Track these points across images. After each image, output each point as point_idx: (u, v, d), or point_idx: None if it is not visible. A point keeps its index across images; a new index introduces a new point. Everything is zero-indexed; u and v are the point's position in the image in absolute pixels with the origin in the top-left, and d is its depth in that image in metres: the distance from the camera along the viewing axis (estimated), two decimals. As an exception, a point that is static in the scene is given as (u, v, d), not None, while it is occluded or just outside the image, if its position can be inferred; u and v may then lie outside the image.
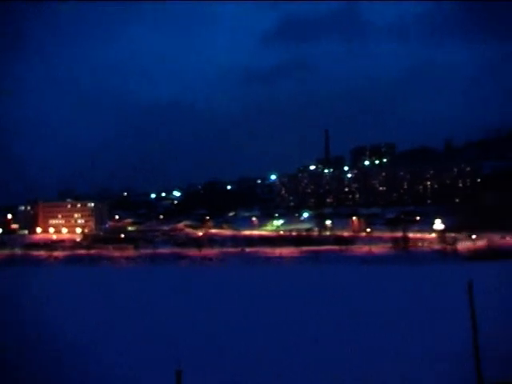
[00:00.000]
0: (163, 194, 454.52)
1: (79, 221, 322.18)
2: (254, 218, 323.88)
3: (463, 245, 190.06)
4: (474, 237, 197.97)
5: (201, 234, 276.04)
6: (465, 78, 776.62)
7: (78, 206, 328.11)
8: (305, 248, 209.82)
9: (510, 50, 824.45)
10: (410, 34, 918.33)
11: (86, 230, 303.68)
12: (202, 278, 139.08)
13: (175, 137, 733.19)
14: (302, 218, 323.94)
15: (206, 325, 62.38)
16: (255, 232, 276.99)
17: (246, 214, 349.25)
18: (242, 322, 64.93)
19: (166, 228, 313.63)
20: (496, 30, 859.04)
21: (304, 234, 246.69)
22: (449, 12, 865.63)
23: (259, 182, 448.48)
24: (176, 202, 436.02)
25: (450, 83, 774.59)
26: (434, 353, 48.48)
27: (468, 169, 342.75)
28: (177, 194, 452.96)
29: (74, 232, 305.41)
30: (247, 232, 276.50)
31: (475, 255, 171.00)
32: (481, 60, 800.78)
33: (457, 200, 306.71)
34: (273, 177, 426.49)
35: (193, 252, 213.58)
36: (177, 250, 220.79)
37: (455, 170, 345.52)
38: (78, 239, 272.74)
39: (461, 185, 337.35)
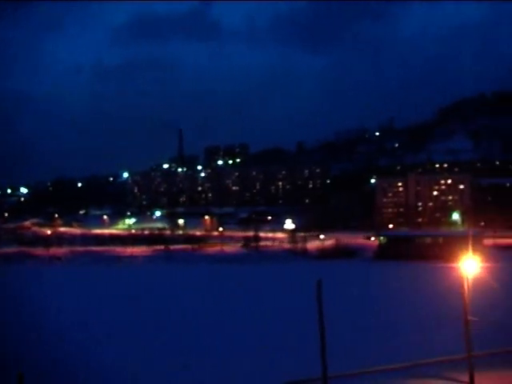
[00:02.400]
0: (9, 191, 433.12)
1: None
2: (105, 217, 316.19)
3: (312, 244, 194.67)
4: (322, 236, 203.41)
5: (49, 232, 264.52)
6: (316, 81, 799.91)
7: None
8: (157, 247, 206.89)
9: (355, 55, 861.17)
10: (264, 37, 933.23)
11: None
12: (47, 278, 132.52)
13: (24, 132, 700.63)
14: (155, 217, 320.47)
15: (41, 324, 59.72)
16: (106, 231, 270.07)
17: (97, 213, 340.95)
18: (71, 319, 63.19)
19: (11, 226, 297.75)
20: (344, 36, 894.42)
21: (156, 232, 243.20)
22: (300, 16, 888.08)
23: (111, 179, 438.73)
24: (23, 199, 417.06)
25: (301, 86, 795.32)
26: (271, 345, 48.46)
27: (318, 170, 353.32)
28: (24, 190, 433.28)
29: None
30: (98, 231, 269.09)
31: (324, 254, 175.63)
32: (332, 64, 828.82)
33: (307, 200, 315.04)
34: (125, 175, 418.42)
35: (40, 251, 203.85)
36: (23, 249, 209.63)
37: (306, 171, 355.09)
38: None
39: (311, 186, 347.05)
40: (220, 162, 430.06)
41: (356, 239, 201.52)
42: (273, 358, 50.95)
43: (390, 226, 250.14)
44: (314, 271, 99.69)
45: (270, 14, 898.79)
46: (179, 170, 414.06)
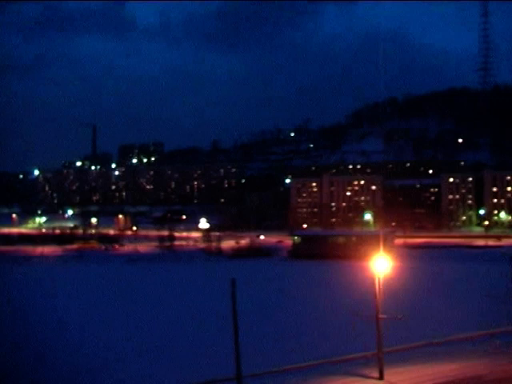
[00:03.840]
0: None
1: None
2: (13, 215, 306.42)
3: (227, 243, 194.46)
4: (237, 235, 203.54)
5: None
6: (233, 81, 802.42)
7: None
8: (68, 246, 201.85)
9: (276, 57, 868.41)
10: (181, 36, 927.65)
11: None
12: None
13: None
14: (67, 216, 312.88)
15: None
16: (15, 230, 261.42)
17: (5, 211, 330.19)
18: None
19: None
20: (261, 38, 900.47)
21: (68, 231, 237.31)
22: (218, 16, 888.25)
23: (21, 177, 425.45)
24: None
25: (217, 86, 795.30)
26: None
27: (233, 170, 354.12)
28: None
29: None
30: (5, 230, 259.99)
31: (238, 253, 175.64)
32: (249, 65, 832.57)
33: (222, 200, 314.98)
34: (36, 172, 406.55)
35: None
36: None
37: (221, 170, 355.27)
38: None
39: (226, 185, 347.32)
40: (134, 161, 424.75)
41: (271, 239, 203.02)
42: (185, 359, 50.33)
43: (304, 225, 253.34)
44: (227, 271, 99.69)
45: (187, 13, 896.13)
46: (92, 167, 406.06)
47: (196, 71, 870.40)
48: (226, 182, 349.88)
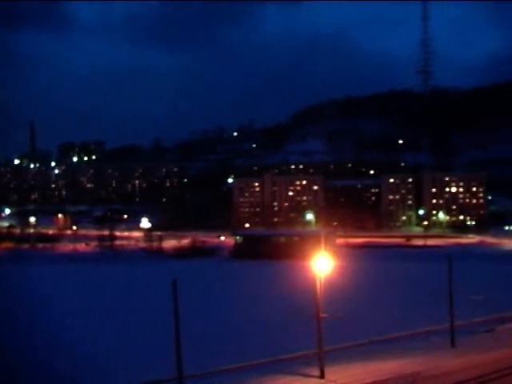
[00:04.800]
0: None
1: None
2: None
3: (169, 243, 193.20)
4: (179, 235, 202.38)
5: None
6: (176, 80, 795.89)
7: None
8: (4, 245, 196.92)
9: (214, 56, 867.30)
10: (122, 33, 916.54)
11: None
12: None
13: None
14: (4, 215, 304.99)
15: None
16: None
17: None
18: None
19: None
20: (204, 37, 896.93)
21: (5, 231, 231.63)
22: (160, 15, 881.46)
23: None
24: None
25: (160, 84, 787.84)
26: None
27: (175, 169, 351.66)
28: None
29: None
30: None
31: (179, 253, 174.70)
32: (193, 64, 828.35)
33: (164, 199, 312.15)
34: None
35: None
36: None
37: (163, 169, 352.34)
38: None
39: (168, 184, 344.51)
40: (75, 159, 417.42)
41: (213, 238, 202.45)
42: (125, 359, 49.55)
43: (247, 225, 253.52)
44: (167, 271, 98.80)
45: (129, 10, 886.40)
46: (31, 165, 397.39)
47: (138, 69, 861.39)
48: (167, 181, 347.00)
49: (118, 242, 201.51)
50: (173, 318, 35.44)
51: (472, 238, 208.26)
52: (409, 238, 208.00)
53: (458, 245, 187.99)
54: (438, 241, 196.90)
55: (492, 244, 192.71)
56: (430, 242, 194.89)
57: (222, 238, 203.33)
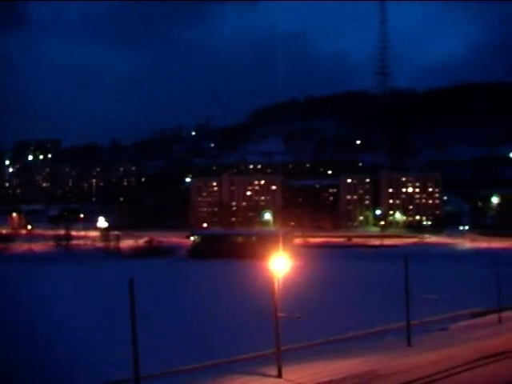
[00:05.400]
0: None
1: None
2: None
3: (126, 243, 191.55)
4: (136, 235, 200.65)
5: None
6: (134, 78, 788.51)
7: None
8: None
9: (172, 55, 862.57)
10: (77, 32, 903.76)
11: None
12: None
13: None
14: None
15: None
16: None
17: None
18: None
19: None
20: (162, 36, 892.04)
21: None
22: (116, 14, 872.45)
23: None
24: None
25: (117, 83, 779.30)
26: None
27: (133, 168, 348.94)
28: None
29: None
30: None
31: (137, 253, 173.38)
32: (151, 63, 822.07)
33: (121, 199, 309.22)
34: None
35: None
36: None
37: (121, 169, 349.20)
38: None
39: (126, 184, 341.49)
40: (30, 158, 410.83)
41: (170, 238, 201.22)
42: (81, 360, 48.90)
43: (205, 224, 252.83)
44: (124, 270, 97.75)
45: (85, 9, 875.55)
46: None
47: (96, 68, 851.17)
48: (125, 180, 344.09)
49: (74, 242, 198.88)
50: (135, 318, 35.00)
51: (428, 238, 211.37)
52: (350, 237, 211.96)
53: (414, 244, 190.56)
54: (395, 240, 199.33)
55: (447, 243, 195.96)
56: (387, 241, 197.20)
57: (192, 238, 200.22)
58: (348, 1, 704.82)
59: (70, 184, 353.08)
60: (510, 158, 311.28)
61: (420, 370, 42.66)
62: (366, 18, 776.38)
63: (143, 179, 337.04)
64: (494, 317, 63.45)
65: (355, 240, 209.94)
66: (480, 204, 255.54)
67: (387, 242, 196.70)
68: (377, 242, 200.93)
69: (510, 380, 40.79)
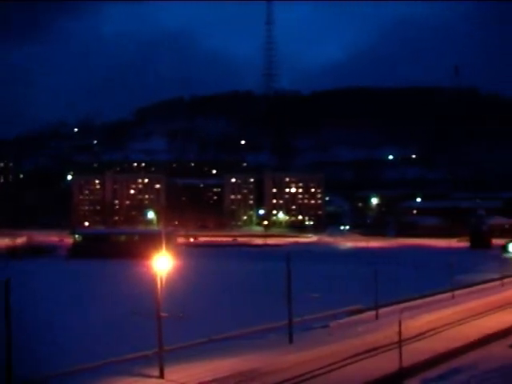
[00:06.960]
0: None
1: None
2: None
3: (1, 242, 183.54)
4: (13, 234, 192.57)
5: None
6: (17, 72, 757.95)
7: None
8: None
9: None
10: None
11: None
12: None
13: None
14: None
15: None
16: None
17: None
18: None
19: None
20: (45, 29, 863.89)
21: None
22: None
23: None
24: None
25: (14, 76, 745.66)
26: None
27: (11, 164, 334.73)
28: None
29: None
30: None
31: (13, 253, 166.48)
32: (33, 56, 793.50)
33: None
34: None
35: None
36: None
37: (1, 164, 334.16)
38: None
39: (2, 181, 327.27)
40: None
41: (51, 237, 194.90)
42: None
43: (86, 223, 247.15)
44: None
45: None
46: None
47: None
48: (1, 177, 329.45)
49: None
50: (10, 320, 33.48)
51: (310, 238, 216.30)
52: (234, 237, 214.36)
53: (297, 244, 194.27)
54: (278, 240, 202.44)
55: (328, 243, 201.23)
56: (270, 241, 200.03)
57: (73, 237, 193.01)
58: (236, 1, 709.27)
59: None
60: (389, 160, 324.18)
61: (300, 366, 43.52)
62: (254, 18, 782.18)
63: (21, 176, 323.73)
64: (371, 314, 65.69)
65: (239, 239, 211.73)
66: (360, 204, 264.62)
67: (270, 241, 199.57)
68: (260, 241, 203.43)
69: (385, 371, 42.34)
